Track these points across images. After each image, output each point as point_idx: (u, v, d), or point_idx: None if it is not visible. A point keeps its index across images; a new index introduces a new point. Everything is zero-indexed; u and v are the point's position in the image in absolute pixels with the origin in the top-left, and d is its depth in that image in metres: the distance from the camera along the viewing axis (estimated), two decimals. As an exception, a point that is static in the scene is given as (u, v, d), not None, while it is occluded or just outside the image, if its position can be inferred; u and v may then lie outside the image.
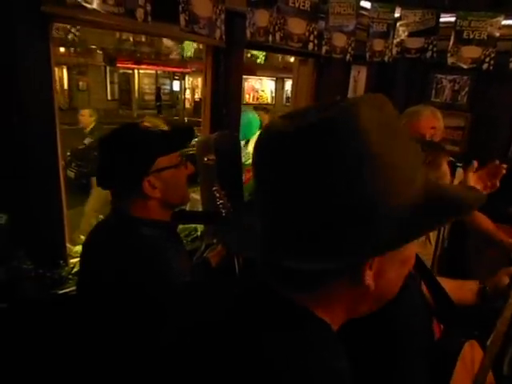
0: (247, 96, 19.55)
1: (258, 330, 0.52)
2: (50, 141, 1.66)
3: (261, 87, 19.99)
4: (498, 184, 1.74)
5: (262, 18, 2.18)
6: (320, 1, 2.47)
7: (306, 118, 0.49)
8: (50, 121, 1.65)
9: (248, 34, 2.14)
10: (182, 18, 1.77)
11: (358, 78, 3.31)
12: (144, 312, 1.00)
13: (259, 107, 7.19)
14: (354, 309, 0.56)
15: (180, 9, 1.76)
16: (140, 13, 1.63)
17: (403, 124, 0.54)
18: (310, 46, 2.50)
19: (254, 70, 17.14)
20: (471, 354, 1.13)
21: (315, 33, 2.49)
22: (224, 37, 2.05)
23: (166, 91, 19.51)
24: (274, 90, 20.89)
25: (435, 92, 3.58)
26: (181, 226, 2.19)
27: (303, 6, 2.39)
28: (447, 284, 1.26)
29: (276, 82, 20.21)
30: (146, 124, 1.19)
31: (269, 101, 20.01)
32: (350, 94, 3.26)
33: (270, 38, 2.29)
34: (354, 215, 0.47)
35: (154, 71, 18.58)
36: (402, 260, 0.56)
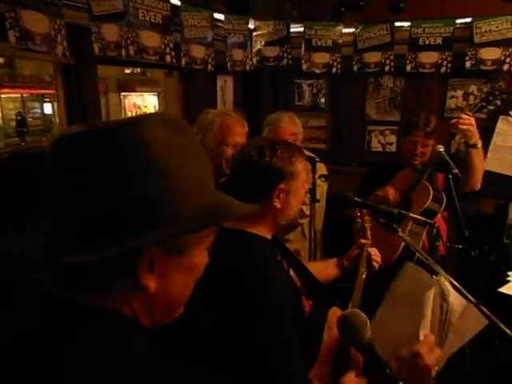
0: (130, 113, 18.81)
1: (54, 340, 0.50)
2: None
3: (143, 103, 19.41)
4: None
5: (110, 32, 2.12)
6: (172, 14, 2.48)
7: (97, 126, 0.55)
8: None
9: (96, 49, 2.05)
10: (12, 35, 1.62)
11: (225, 87, 3.41)
12: None
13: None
14: (147, 315, 0.57)
15: (7, 25, 1.61)
16: (-45, 30, 1.45)
17: (199, 141, 0.61)
18: (168, 58, 2.50)
19: (133, 86, 16.57)
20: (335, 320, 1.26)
21: (171, 45, 2.50)
22: (69, 53, 1.94)
23: (37, 115, 17.83)
24: (157, 105, 20.41)
25: (298, 96, 3.87)
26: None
27: (154, 19, 2.38)
28: (316, 266, 1.49)
29: (158, 96, 19.78)
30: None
31: (153, 117, 19.47)
32: (218, 104, 3.33)
33: (123, 52, 2.23)
34: (134, 210, 0.51)
35: (19, 95, 16.83)
36: (189, 267, 0.58)
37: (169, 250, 0.54)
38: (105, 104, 7.10)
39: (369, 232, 1.57)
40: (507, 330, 1.28)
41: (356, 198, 1.33)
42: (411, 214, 1.28)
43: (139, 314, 0.56)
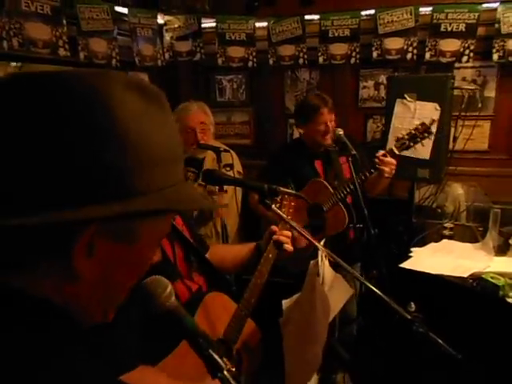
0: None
1: None
2: None
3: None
4: None
5: (-16, 22, 1.97)
6: (62, 5, 2.36)
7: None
8: None
9: (-32, 40, 1.90)
10: None
11: (140, 84, 3.30)
12: None
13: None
14: (79, 307, 0.47)
15: None
16: None
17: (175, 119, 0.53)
18: (62, 51, 2.36)
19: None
20: (216, 304, 1.25)
21: (64, 38, 2.37)
22: None
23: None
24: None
25: (219, 92, 3.83)
26: None
27: (41, 9, 2.24)
28: (233, 249, 1.53)
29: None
30: None
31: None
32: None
33: (6, 45, 2.08)
34: (74, 179, 0.41)
35: None
36: (135, 260, 0.50)
37: (115, 235, 0.45)
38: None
39: (288, 212, 1.42)
40: (389, 301, 1.28)
41: (225, 176, 1.30)
42: (282, 189, 1.26)
43: (71, 305, 0.46)
